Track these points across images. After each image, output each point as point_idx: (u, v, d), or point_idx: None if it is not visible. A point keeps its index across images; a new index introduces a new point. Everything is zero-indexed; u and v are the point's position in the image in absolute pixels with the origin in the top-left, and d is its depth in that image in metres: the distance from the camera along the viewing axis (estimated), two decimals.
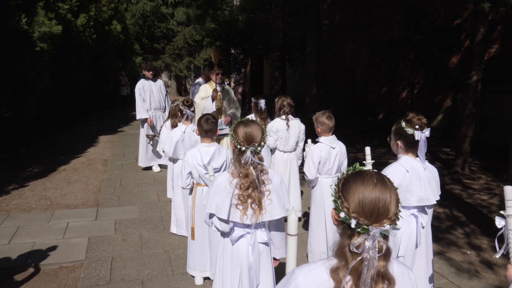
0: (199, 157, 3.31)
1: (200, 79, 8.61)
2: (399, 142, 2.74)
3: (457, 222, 5.11)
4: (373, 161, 3.21)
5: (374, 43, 11.62)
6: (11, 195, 6.17)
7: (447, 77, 10.25)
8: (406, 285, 1.27)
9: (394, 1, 10.32)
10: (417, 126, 2.65)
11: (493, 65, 9.37)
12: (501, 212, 1.98)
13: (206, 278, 3.58)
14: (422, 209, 2.76)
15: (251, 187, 2.26)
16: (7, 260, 4.04)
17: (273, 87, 9.71)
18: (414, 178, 2.68)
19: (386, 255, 1.16)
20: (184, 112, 4.38)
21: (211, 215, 2.38)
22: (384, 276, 1.16)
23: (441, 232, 4.79)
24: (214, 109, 6.02)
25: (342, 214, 1.18)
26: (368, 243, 1.13)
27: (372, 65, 11.81)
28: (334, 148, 3.82)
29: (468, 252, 4.30)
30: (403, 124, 2.70)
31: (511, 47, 9.07)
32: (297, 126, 4.82)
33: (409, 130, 2.66)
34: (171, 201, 4.68)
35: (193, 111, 4.46)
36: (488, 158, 8.08)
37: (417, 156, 2.72)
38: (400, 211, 1.19)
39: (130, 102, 16.34)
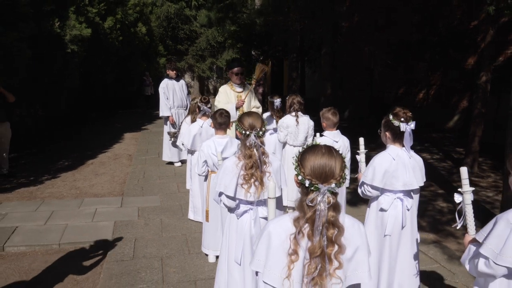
0: (213, 147, 3.75)
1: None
2: (387, 133, 3.11)
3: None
4: (366, 150, 3.57)
5: (391, 45, 11.87)
6: (44, 184, 6.77)
7: (462, 78, 10.43)
8: (355, 234, 1.66)
9: (411, 3, 10.57)
10: (402, 119, 3.00)
11: (509, 66, 9.52)
12: (459, 189, 2.34)
13: (218, 257, 4.01)
14: (407, 193, 3.12)
15: (254, 167, 2.69)
16: (44, 238, 4.58)
17: (291, 88, 10.11)
18: (400, 166, 3.04)
19: (335, 207, 1.56)
20: (201, 108, 4.85)
21: (220, 194, 2.82)
22: (334, 224, 1.56)
23: (441, 224, 5.09)
24: (235, 118, 5.40)
25: (299, 177, 1.59)
26: (319, 198, 1.53)
27: (388, 66, 12.06)
28: (337, 142, 4.21)
29: None
30: (391, 117, 3.06)
31: None
32: (306, 122, 5.21)
33: (396, 123, 3.02)
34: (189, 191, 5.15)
35: (210, 107, 4.92)
36: (500, 158, 8.24)
37: (403, 146, 3.09)
38: (345, 173, 1.59)
39: (154, 101, 17.00)
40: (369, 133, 11.56)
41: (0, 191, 6.27)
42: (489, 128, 9.99)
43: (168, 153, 7.88)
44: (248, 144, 2.69)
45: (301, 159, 1.61)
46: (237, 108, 5.57)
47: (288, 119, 5.15)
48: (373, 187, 3.06)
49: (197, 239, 4.51)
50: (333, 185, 1.53)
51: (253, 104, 6.12)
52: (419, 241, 3.27)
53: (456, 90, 10.71)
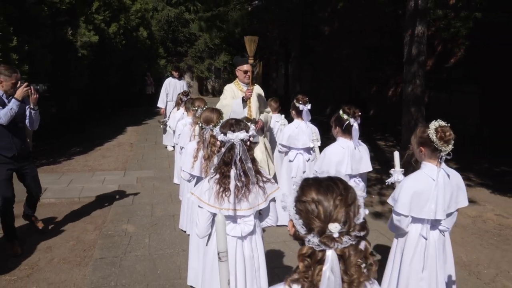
0: (185, 123, 5.65)
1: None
2: (293, 111, 5.00)
3: (381, 181, 7.24)
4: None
5: (365, 49, 13.74)
6: (62, 164, 8.69)
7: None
8: None
9: (376, 11, 12.35)
10: (300, 102, 4.89)
11: (460, 68, 11.34)
12: (312, 140, 4.21)
13: None
14: (306, 150, 5.00)
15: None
16: (68, 194, 6.51)
17: (271, 86, 11.97)
18: (300, 132, 4.92)
19: (213, 136, 3.43)
20: (183, 100, 6.77)
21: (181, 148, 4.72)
22: (214, 144, 3.43)
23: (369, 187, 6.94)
24: (245, 114, 5.15)
25: (199, 123, 3.47)
26: (205, 131, 3.40)
27: (362, 67, 13.91)
28: (278, 122, 6.11)
29: (373, 196, 6.46)
30: (294, 101, 4.95)
31: (471, 53, 11.00)
32: None
33: (297, 104, 4.91)
34: None
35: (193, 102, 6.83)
36: None
37: (303, 119, 4.96)
38: (221, 121, 3.46)
39: (155, 100, 18.94)
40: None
41: None
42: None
43: (165, 139, 9.86)
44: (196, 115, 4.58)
45: (201, 115, 3.50)
46: (245, 100, 5.12)
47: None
48: (283, 146, 4.95)
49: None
50: (211, 126, 3.41)
51: (262, 109, 5.56)
52: None
53: None
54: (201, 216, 2.42)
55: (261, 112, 5.48)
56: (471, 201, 6.42)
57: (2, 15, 7.65)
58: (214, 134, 3.24)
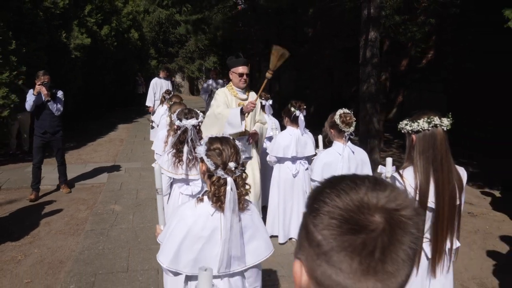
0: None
1: (210, 81, 11.85)
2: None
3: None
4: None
5: (342, 50, 14.67)
6: None
7: (396, 77, 13.21)
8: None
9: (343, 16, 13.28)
10: (263, 98, 5.78)
11: (431, 69, 12.30)
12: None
13: None
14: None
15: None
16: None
17: (255, 86, 12.86)
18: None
19: (187, 129, 4.35)
20: (166, 98, 7.66)
21: None
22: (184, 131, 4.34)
23: None
24: (242, 129, 4.45)
25: (173, 117, 4.37)
26: (179, 123, 4.32)
27: (342, 68, 14.83)
28: None
29: None
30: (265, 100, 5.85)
31: (440, 55, 11.97)
32: None
33: (263, 102, 5.81)
34: None
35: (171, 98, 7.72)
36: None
37: (266, 113, 5.85)
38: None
39: (145, 100, 19.78)
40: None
41: (24, 161, 9.07)
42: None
43: (152, 135, 10.74)
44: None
45: (171, 107, 4.39)
46: (244, 113, 4.40)
47: None
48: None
49: None
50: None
51: (258, 118, 4.94)
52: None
53: (393, 87, 13.45)
54: (163, 179, 3.31)
55: (255, 122, 4.88)
56: None
57: (2, 21, 8.51)
58: (172, 119, 4.03)
